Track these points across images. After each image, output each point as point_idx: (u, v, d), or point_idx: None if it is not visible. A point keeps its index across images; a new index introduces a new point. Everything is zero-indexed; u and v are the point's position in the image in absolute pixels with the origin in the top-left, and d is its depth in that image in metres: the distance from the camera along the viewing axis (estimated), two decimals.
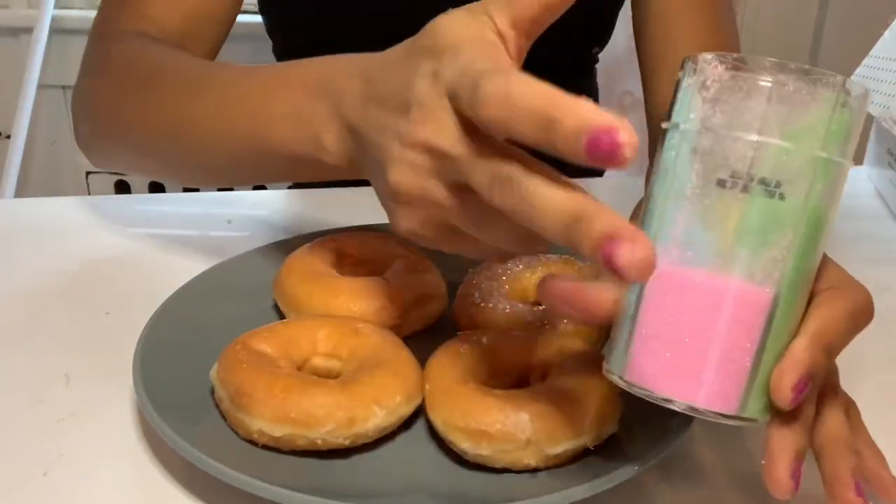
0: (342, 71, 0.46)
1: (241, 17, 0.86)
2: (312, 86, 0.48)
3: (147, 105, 0.62)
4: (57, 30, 1.55)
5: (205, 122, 0.56)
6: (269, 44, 0.97)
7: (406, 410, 0.43)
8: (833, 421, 0.40)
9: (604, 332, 0.52)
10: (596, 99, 0.99)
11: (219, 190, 0.84)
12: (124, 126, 0.64)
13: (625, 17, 0.92)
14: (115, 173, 1.67)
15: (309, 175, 0.55)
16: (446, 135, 0.37)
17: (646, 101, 0.88)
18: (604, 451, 0.42)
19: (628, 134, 0.32)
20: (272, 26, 0.91)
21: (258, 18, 0.92)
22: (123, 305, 0.57)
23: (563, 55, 0.89)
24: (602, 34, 0.90)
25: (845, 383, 0.52)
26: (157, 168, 0.67)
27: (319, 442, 0.41)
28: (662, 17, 0.84)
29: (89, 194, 1.65)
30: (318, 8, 0.82)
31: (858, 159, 0.88)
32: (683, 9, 0.83)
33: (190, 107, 0.57)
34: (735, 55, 0.37)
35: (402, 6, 0.80)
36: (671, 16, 0.83)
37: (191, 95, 0.58)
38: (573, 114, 0.33)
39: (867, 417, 0.43)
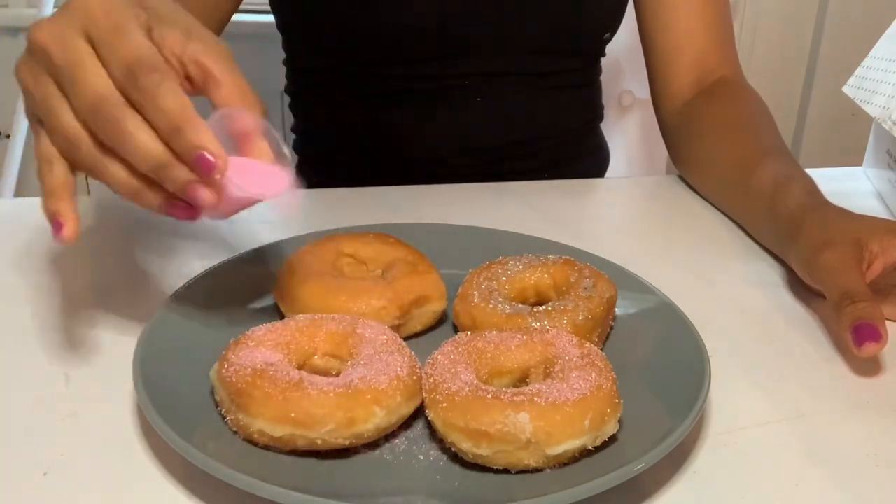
0: None
1: (241, 17, 0.86)
2: None
3: None
4: None
5: None
6: (268, 43, 0.97)
7: (406, 410, 0.43)
8: None
9: (604, 333, 0.52)
10: (599, 96, 1.00)
11: None
12: None
13: (626, 16, 0.92)
14: None
15: None
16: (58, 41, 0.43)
17: (657, 92, 0.88)
18: (604, 451, 0.42)
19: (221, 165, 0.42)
20: (283, 24, 0.91)
21: (258, 18, 0.92)
22: (123, 305, 0.57)
23: (578, 39, 0.90)
24: (615, 18, 0.90)
25: (846, 382, 0.52)
26: None
27: (319, 442, 0.41)
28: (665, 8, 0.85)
29: (89, 194, 1.65)
30: (328, 9, 0.83)
31: (857, 160, 0.88)
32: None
33: None
34: None
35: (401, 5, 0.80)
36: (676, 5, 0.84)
37: None
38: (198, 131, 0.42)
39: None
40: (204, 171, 0.42)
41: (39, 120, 0.45)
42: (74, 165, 0.45)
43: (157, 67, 0.42)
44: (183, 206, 0.44)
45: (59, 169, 0.45)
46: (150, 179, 0.43)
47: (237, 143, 0.46)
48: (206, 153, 0.42)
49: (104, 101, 0.42)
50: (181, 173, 0.42)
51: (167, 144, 0.42)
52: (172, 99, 0.42)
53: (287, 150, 0.46)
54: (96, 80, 0.42)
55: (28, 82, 0.45)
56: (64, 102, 0.43)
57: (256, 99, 0.46)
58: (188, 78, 0.46)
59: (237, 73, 0.46)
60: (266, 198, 0.45)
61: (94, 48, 0.43)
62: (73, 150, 0.44)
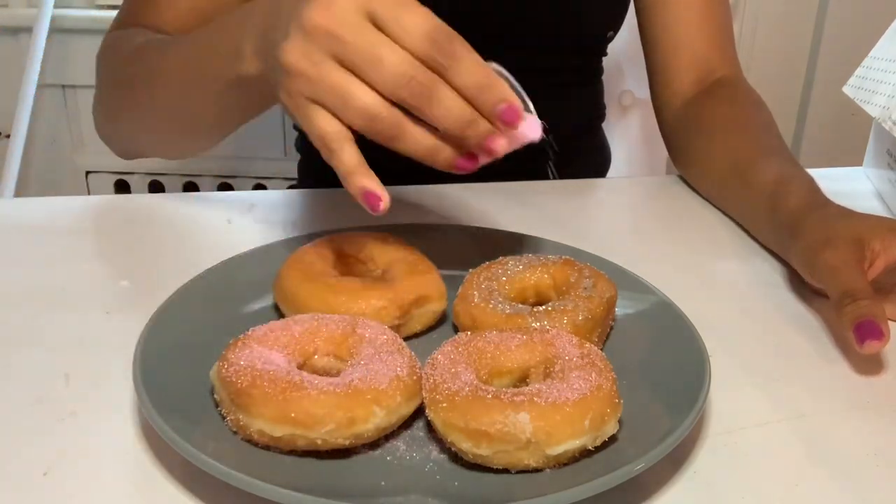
0: None
1: None
2: (243, 14, 0.55)
3: (134, 79, 0.69)
4: (57, 29, 1.55)
5: (168, 73, 0.64)
6: None
7: (406, 410, 0.43)
8: None
9: (604, 333, 0.52)
10: (600, 96, 1.00)
11: (218, 189, 0.84)
12: (123, 108, 0.72)
13: (627, 16, 0.92)
14: (115, 173, 1.67)
15: (244, 101, 0.59)
16: (344, 21, 0.46)
17: (657, 91, 0.88)
18: (604, 451, 0.42)
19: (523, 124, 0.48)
20: None
21: None
22: (123, 305, 0.57)
23: (580, 36, 0.90)
24: (616, 16, 0.90)
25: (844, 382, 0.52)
26: (158, 139, 0.73)
27: (319, 442, 0.41)
28: (666, 7, 0.85)
29: (89, 194, 1.65)
30: None
31: (857, 160, 0.88)
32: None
33: (160, 67, 0.65)
34: None
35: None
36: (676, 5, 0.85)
37: (161, 57, 0.65)
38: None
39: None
40: (508, 121, 0.47)
41: (312, 101, 0.47)
42: (373, 135, 0.48)
43: (453, 34, 0.46)
44: (470, 157, 0.49)
45: (353, 147, 0.48)
46: (445, 138, 0.48)
47: None
48: (510, 106, 0.47)
49: (414, 72, 0.46)
50: (484, 128, 0.47)
51: (472, 103, 0.47)
52: (473, 59, 0.47)
53: (525, 96, 0.50)
54: (401, 56, 0.46)
55: (303, 66, 0.47)
56: (357, 82, 0.46)
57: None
58: None
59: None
60: (528, 140, 0.50)
61: (377, 25, 0.46)
62: (374, 124, 0.47)
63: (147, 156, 0.77)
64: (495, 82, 0.47)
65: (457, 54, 0.46)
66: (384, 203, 0.48)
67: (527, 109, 0.50)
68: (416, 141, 0.48)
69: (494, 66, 0.49)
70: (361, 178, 0.48)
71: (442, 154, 0.49)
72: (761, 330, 0.58)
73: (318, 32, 0.46)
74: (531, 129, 0.50)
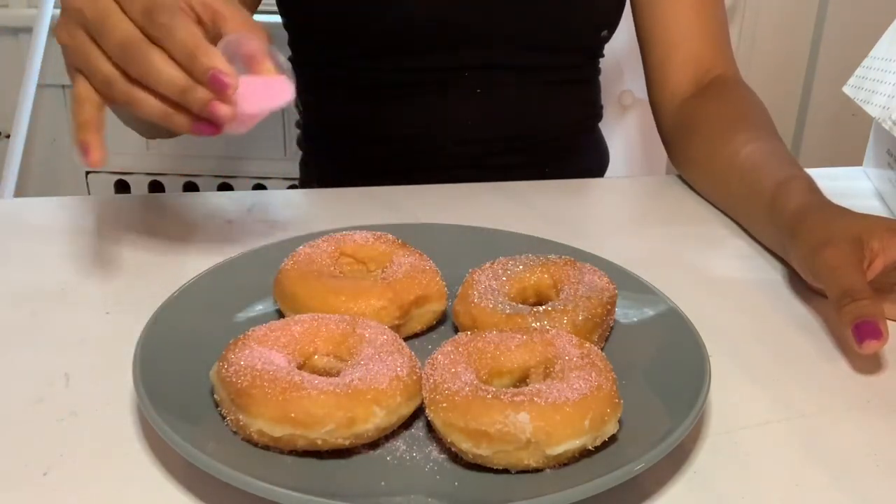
0: None
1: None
2: None
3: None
4: None
5: None
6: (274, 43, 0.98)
7: (406, 410, 0.43)
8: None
9: (604, 333, 0.52)
10: (597, 95, 1.00)
11: (218, 189, 0.84)
12: None
13: (624, 17, 0.92)
14: (115, 173, 1.67)
15: None
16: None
17: (654, 91, 0.88)
18: (604, 451, 0.42)
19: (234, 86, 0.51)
20: (289, 23, 0.92)
21: (264, 18, 0.92)
22: (123, 305, 0.57)
23: (576, 34, 0.90)
24: (611, 15, 0.90)
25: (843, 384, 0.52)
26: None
27: (319, 442, 0.41)
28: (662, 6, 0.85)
29: (89, 194, 1.65)
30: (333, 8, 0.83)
31: (857, 160, 0.88)
32: None
33: None
34: None
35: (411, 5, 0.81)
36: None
37: None
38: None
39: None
40: (219, 89, 0.50)
41: (77, 69, 0.53)
42: (112, 101, 0.53)
43: (168, 8, 0.50)
44: (206, 123, 0.53)
45: (89, 107, 0.52)
46: (177, 104, 0.51)
47: (246, 64, 0.53)
48: (218, 73, 0.50)
49: (129, 41, 0.50)
50: (201, 94, 0.50)
51: (186, 71, 0.50)
52: (185, 31, 0.50)
53: (287, 65, 0.54)
54: (121, 26, 0.51)
55: (64, 38, 0.53)
56: (96, 49, 0.51)
57: (259, 26, 0.54)
58: (200, 22, 0.53)
59: (239, 7, 0.54)
60: (273, 109, 0.53)
61: (116, 2, 0.51)
62: (108, 88, 0.52)
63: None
64: (205, 51, 0.50)
65: (167, 26, 0.50)
66: (91, 156, 0.51)
67: (285, 75, 0.53)
68: (149, 105, 0.52)
69: (234, 37, 0.53)
70: (84, 134, 0.52)
71: (175, 119, 0.52)
72: (761, 330, 0.58)
73: (72, 9, 0.52)
74: (268, 96, 0.53)
